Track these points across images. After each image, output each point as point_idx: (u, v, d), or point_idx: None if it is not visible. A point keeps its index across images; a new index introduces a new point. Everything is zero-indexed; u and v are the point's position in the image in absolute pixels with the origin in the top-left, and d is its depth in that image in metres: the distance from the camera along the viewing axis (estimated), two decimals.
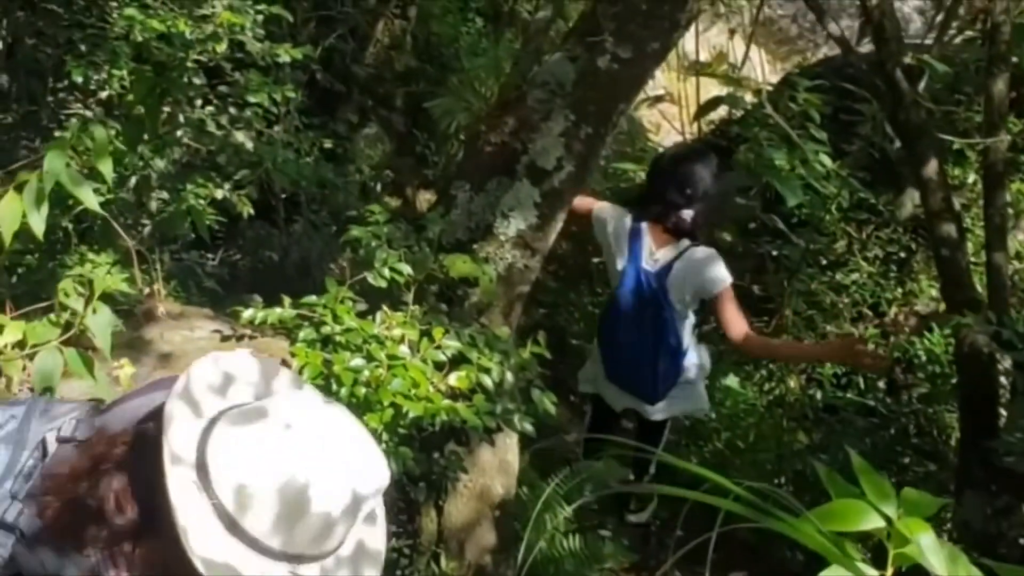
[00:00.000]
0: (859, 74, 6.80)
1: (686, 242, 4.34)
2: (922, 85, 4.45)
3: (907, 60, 4.22)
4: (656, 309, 4.40)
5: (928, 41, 6.41)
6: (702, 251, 4.34)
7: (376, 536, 1.51)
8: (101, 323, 2.58)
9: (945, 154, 5.36)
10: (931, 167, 4.10)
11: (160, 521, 1.34)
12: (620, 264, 4.41)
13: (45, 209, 2.53)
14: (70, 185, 2.52)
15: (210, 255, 6.02)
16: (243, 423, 1.41)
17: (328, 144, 6.01)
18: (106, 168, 2.73)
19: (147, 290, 3.55)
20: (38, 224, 2.59)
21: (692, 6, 3.73)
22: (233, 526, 1.35)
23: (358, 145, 7.82)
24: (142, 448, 1.40)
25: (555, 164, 3.71)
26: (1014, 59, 4.14)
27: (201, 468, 1.36)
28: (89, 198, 2.62)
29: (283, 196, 6.11)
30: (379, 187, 7.84)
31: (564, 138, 3.71)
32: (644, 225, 4.36)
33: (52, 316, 2.65)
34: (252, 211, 4.91)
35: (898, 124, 4.31)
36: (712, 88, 8.42)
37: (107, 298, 3.54)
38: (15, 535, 1.43)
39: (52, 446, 1.49)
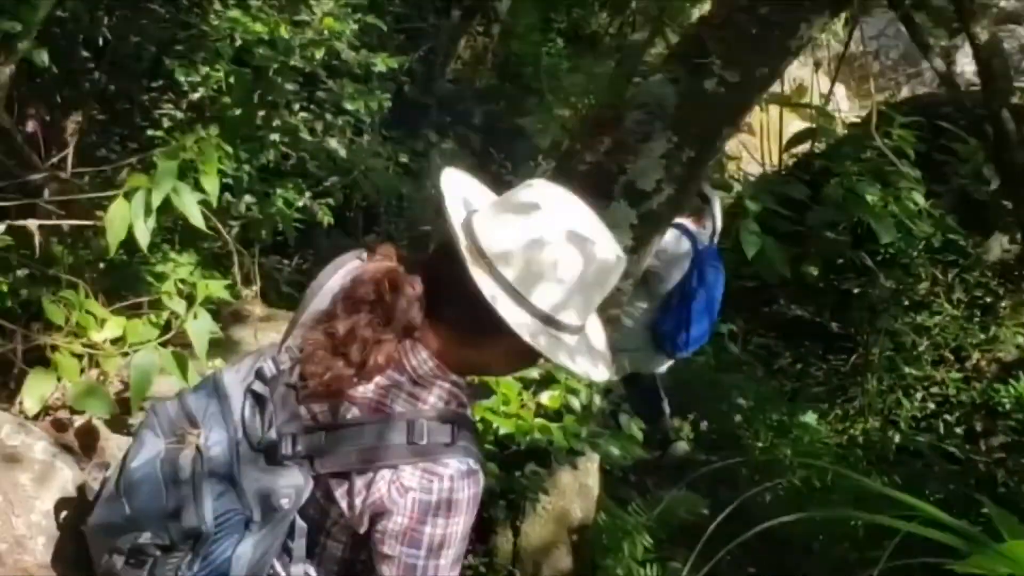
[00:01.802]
0: (950, 113, 6.67)
1: None
2: None
3: (1014, 100, 4.08)
4: None
5: None
6: None
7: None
8: (201, 329, 2.57)
9: None
10: None
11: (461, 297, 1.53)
12: None
13: (152, 221, 2.51)
14: (179, 200, 2.51)
15: (286, 260, 6.03)
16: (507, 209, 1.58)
17: (405, 159, 6.02)
18: (212, 185, 2.71)
19: (245, 292, 3.53)
20: (143, 235, 2.59)
21: (803, 34, 3.65)
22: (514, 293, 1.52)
23: (435, 161, 7.80)
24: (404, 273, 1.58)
25: (654, 186, 3.63)
26: None
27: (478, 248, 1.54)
28: (196, 215, 2.60)
29: (362, 207, 6.12)
30: None
31: (665, 160, 3.64)
32: None
33: (152, 316, 2.62)
34: (332, 220, 4.91)
35: (1002, 165, 4.18)
36: (790, 121, 8.33)
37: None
38: (304, 462, 1.56)
39: (264, 389, 1.61)
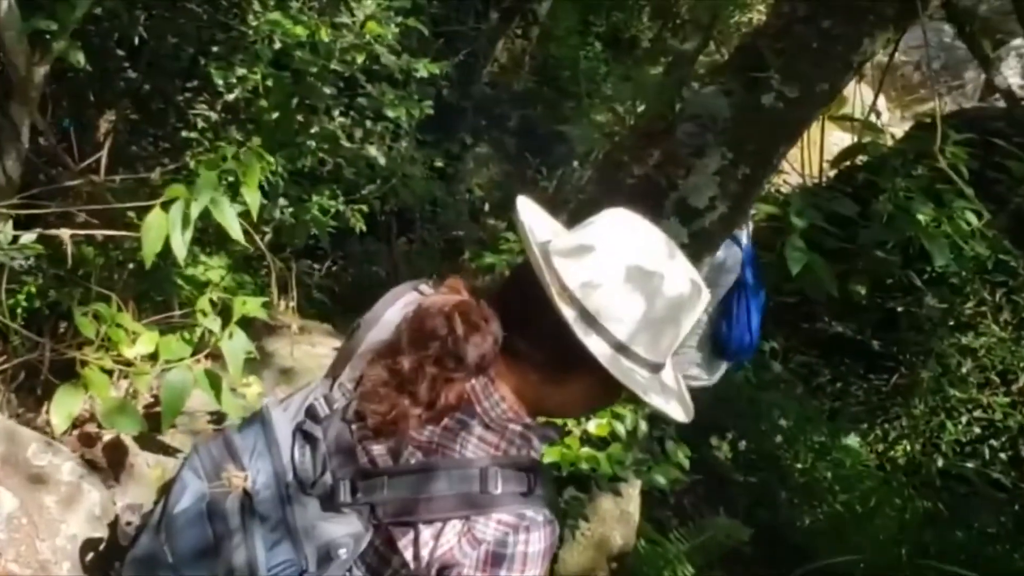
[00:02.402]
0: (1001, 128, 6.48)
1: None
2: None
3: None
4: None
5: None
6: None
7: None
8: (236, 348, 2.45)
9: None
10: None
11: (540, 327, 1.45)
12: None
13: (189, 233, 2.41)
14: (219, 212, 2.40)
15: (317, 265, 5.93)
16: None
17: (439, 163, 5.91)
18: (253, 197, 2.60)
19: (281, 305, 3.42)
20: (180, 248, 2.50)
21: (867, 48, 3.49)
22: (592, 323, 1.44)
23: (469, 165, 7.70)
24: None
25: (707, 204, 3.49)
26: None
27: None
28: (235, 228, 2.49)
29: (394, 211, 6.02)
30: (487, 207, 7.72)
31: (719, 176, 3.49)
32: None
33: (185, 333, 2.51)
34: (364, 227, 4.81)
35: None
36: (831, 132, 8.14)
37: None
38: (364, 508, 1.45)
39: (316, 429, 1.50)
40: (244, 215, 4.60)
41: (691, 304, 1.52)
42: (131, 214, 3.33)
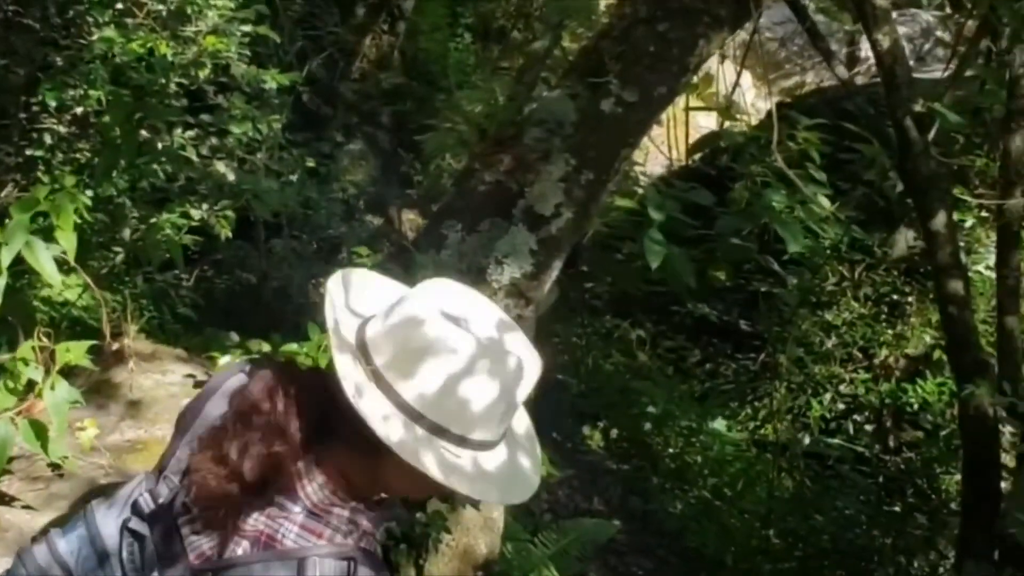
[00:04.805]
0: (856, 109, 6.68)
1: None
2: (933, 133, 4.30)
3: (917, 108, 4.06)
4: None
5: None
6: None
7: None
8: (59, 400, 2.36)
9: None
10: (939, 220, 3.96)
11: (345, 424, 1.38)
12: None
13: (3, 280, 2.33)
14: (33, 257, 2.33)
15: (184, 276, 5.80)
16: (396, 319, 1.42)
17: (312, 163, 5.82)
18: (69, 241, 2.51)
19: (115, 338, 3.33)
20: None
21: (702, 51, 3.58)
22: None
23: (342, 163, 7.63)
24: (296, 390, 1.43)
25: (553, 211, 3.53)
26: None
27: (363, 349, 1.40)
28: (51, 273, 2.42)
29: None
30: (362, 205, 7.66)
31: (564, 183, 3.54)
32: None
33: (8, 382, 2.42)
34: (231, 233, 4.71)
35: (906, 174, 4.16)
36: (697, 112, 8.29)
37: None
38: None
39: (142, 527, 1.47)
40: (100, 234, 4.51)
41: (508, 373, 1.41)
42: None
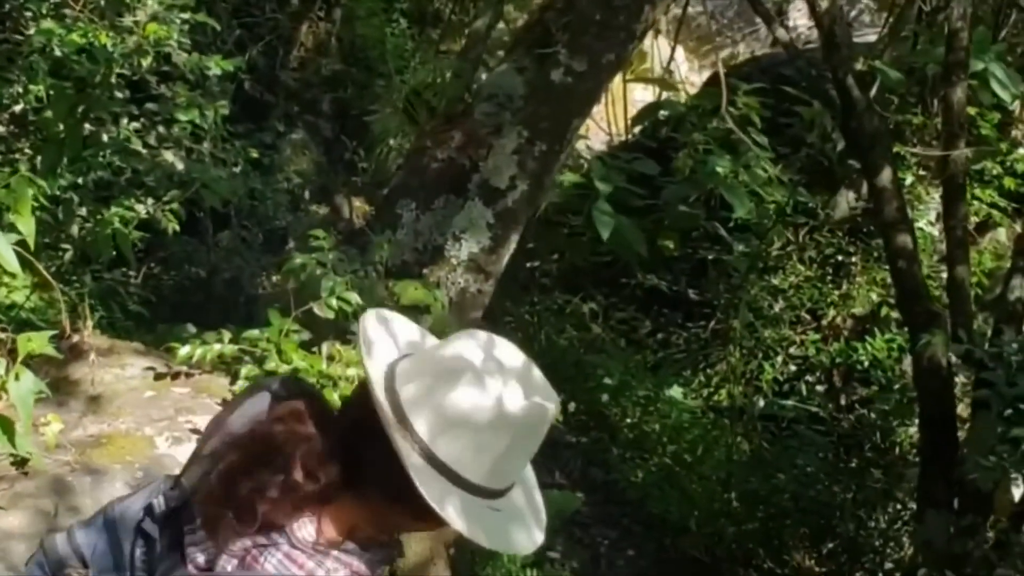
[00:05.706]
0: (792, 74, 6.78)
1: None
2: (873, 91, 4.39)
3: (858, 66, 4.14)
4: None
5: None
6: None
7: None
8: (23, 391, 2.33)
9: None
10: (885, 176, 4.04)
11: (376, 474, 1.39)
12: None
13: None
14: None
15: (132, 273, 5.72)
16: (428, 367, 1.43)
17: (255, 154, 5.78)
18: (27, 227, 2.48)
19: (73, 332, 3.29)
20: None
21: (648, 16, 3.61)
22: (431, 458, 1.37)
23: (285, 153, 7.57)
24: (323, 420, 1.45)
25: (508, 183, 3.56)
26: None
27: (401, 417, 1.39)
28: (10, 261, 2.38)
29: (210, 208, 5.85)
30: (307, 195, 7.62)
31: (517, 155, 3.57)
32: None
33: None
34: (178, 227, 4.67)
35: (850, 132, 4.24)
36: (634, 87, 8.34)
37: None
38: None
39: (153, 528, 1.50)
40: (47, 232, 4.43)
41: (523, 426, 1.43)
42: None
